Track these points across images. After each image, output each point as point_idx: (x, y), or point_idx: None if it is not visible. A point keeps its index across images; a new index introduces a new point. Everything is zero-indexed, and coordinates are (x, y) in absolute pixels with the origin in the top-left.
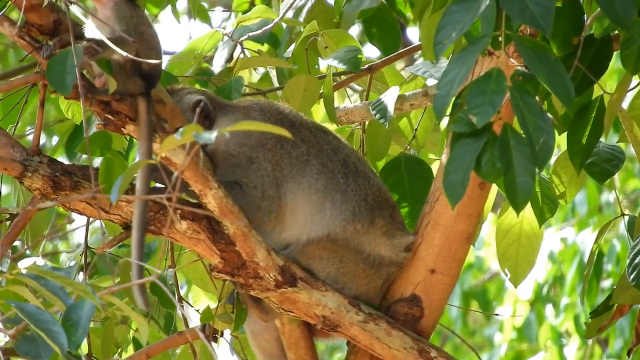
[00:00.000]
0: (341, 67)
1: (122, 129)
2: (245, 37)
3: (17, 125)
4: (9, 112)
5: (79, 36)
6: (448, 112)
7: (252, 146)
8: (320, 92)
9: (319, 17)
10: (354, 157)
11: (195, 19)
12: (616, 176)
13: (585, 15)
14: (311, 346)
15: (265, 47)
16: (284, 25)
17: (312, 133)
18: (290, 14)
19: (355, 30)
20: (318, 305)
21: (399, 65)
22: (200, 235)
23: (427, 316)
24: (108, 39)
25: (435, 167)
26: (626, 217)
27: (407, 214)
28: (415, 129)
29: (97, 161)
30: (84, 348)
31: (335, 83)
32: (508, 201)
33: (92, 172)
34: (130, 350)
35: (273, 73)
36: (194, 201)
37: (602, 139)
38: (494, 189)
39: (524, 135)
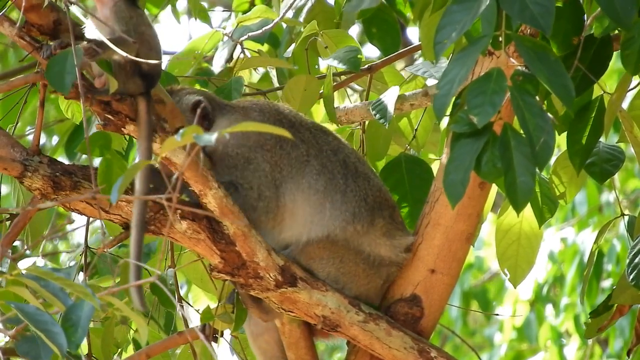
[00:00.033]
0: (341, 67)
1: (122, 129)
2: (245, 37)
3: (17, 125)
4: (9, 112)
5: (79, 36)
6: (448, 112)
7: (250, 147)
8: (320, 92)
9: (319, 17)
10: (353, 158)
11: (195, 19)
12: (616, 176)
13: (585, 15)
14: (311, 346)
15: (265, 47)
16: (284, 25)
17: (311, 133)
18: (290, 14)
19: (355, 30)
20: (318, 305)
21: (399, 65)
22: (200, 235)
23: (427, 316)
24: (108, 39)
25: (435, 167)
26: (626, 217)
27: (407, 214)
28: (415, 129)
29: (97, 161)
30: (84, 348)
31: (335, 83)
32: (508, 201)
33: (93, 172)
34: (130, 350)
35: (273, 73)
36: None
37: (602, 139)
38: (494, 189)
39: (524, 135)
